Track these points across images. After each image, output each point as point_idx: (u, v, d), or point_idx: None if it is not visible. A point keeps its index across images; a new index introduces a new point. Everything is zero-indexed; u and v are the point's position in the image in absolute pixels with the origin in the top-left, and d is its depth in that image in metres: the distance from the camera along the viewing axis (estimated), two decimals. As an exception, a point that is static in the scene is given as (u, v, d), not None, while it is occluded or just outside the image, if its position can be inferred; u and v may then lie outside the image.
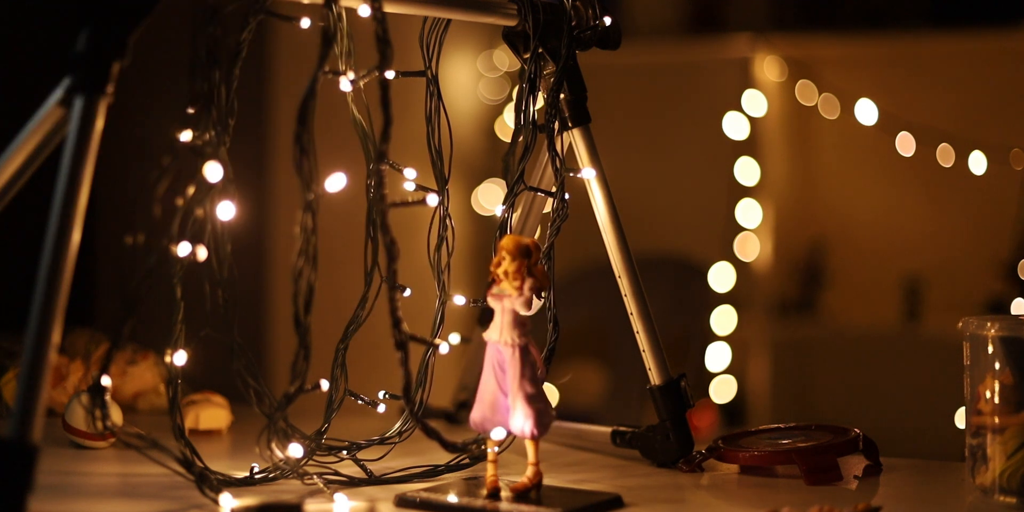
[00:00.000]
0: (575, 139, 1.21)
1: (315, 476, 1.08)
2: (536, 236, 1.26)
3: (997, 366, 1.02)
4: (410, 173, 1.15)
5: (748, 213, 3.15)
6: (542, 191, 1.19)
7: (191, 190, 1.01)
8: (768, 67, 3.20)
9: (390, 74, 1.01)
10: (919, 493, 1.11)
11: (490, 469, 1.03)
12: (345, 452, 1.13)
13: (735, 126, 3.12)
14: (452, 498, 1.01)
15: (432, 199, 1.15)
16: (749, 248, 3.15)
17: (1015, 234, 3.07)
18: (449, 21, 1.17)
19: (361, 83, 1.10)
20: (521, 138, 1.16)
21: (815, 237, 3.37)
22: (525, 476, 1.02)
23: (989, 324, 1.03)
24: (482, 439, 1.10)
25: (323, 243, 1.01)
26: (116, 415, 1.20)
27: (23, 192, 0.99)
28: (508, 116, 3.23)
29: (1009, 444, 1.01)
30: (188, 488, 1.03)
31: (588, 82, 1.20)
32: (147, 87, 1.88)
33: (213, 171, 1.02)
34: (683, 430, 1.18)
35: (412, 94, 1.23)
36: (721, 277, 3.09)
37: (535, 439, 1.00)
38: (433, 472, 1.13)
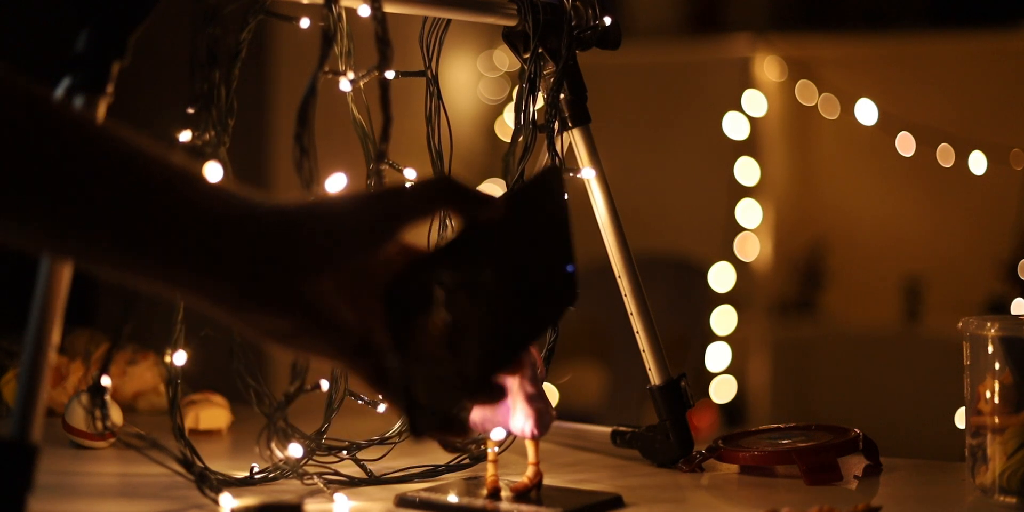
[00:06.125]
0: (575, 139, 1.21)
1: (315, 476, 1.08)
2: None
3: (997, 366, 1.02)
4: (410, 173, 1.15)
5: (748, 213, 3.15)
6: (542, 191, 1.19)
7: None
8: (768, 67, 3.20)
9: (390, 74, 1.01)
10: (919, 493, 1.11)
11: (490, 469, 1.03)
12: (345, 452, 1.13)
13: (735, 126, 3.13)
14: (452, 498, 1.01)
15: None
16: (749, 248, 3.16)
17: (1015, 234, 3.07)
18: (449, 21, 1.17)
19: (361, 83, 1.10)
20: (521, 138, 1.16)
21: (815, 237, 3.37)
22: (525, 476, 1.02)
23: (989, 324, 1.03)
24: (482, 439, 1.10)
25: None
26: (116, 415, 1.19)
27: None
28: (508, 116, 3.24)
29: (1009, 444, 1.01)
30: (188, 488, 1.02)
31: (588, 82, 1.20)
32: (147, 87, 1.88)
33: (213, 171, 1.02)
34: (683, 430, 1.18)
35: (412, 94, 1.22)
36: (721, 277, 3.09)
37: (535, 439, 1.00)
38: (433, 472, 1.13)
